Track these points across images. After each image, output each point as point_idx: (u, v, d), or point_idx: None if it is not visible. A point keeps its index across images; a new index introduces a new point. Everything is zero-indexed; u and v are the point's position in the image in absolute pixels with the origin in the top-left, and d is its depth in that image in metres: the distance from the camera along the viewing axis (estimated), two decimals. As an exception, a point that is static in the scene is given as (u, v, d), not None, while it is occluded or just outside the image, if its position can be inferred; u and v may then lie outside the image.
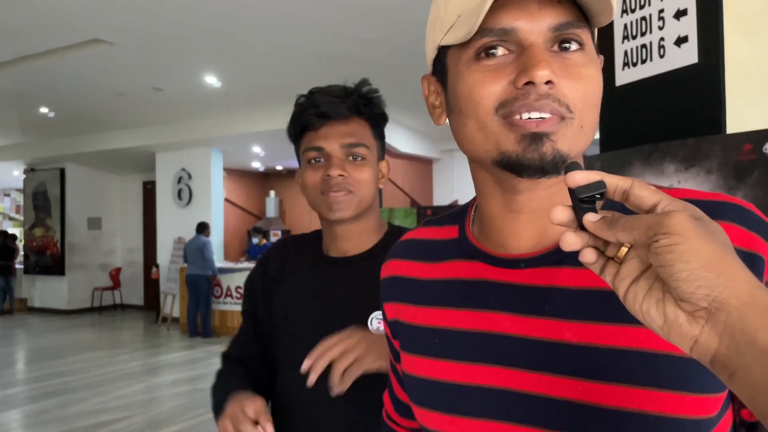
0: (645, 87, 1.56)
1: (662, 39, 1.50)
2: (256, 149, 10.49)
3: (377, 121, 1.30)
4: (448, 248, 0.73)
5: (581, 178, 0.44)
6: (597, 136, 1.69)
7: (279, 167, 13.14)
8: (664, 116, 1.51)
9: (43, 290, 12.07)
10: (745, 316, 0.38)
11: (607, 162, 1.57)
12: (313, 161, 1.22)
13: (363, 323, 1.15)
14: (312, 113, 1.23)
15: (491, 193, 0.66)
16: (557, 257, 0.63)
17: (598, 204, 0.45)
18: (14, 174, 12.99)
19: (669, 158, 1.37)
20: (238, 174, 13.03)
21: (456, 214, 0.77)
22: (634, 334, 0.57)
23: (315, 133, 1.23)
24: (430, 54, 0.67)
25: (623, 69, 1.62)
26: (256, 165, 12.61)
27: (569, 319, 0.60)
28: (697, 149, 1.31)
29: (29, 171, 12.07)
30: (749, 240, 0.55)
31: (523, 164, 0.57)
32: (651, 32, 1.53)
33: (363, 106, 1.27)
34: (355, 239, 1.25)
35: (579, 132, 0.58)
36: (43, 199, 11.87)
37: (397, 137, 9.47)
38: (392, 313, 0.78)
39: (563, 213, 0.46)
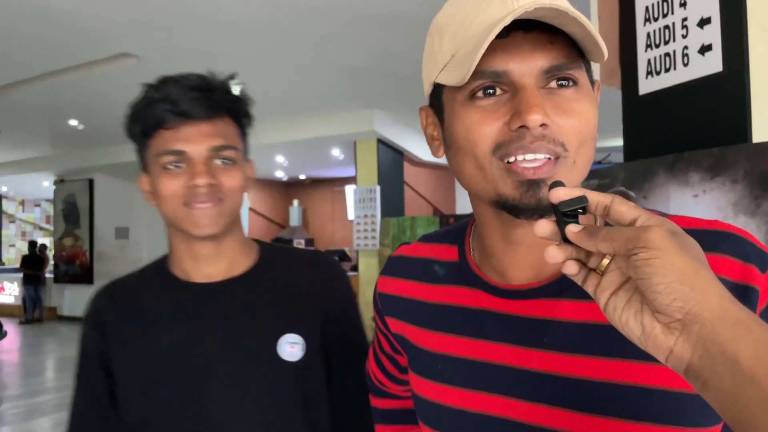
0: (669, 96, 1.55)
1: (686, 47, 1.49)
2: (280, 159, 10.58)
3: (245, 121, 1.15)
4: (448, 272, 0.74)
5: (564, 193, 0.46)
6: (621, 143, 1.68)
7: (302, 176, 13.23)
8: (689, 125, 1.50)
9: (72, 299, 12.28)
10: (716, 328, 0.40)
11: (630, 171, 1.56)
12: (170, 166, 1.00)
13: (266, 357, 1.00)
14: (168, 110, 1.02)
15: (491, 225, 0.67)
16: (557, 289, 0.64)
17: (581, 218, 0.47)
18: (44, 185, 13.28)
19: (694, 168, 1.35)
20: (261, 183, 13.15)
21: (455, 232, 0.77)
22: (630, 369, 0.58)
23: (173, 134, 1.01)
24: (427, 88, 0.67)
25: (646, 78, 1.61)
26: (280, 174, 12.72)
27: (567, 352, 0.61)
28: (722, 158, 1.30)
29: (59, 182, 12.33)
30: (744, 272, 0.56)
31: (521, 208, 0.58)
32: (674, 41, 1.52)
33: (231, 103, 1.12)
34: (225, 259, 1.06)
35: (572, 169, 0.59)
36: (73, 210, 12.11)
37: (419, 145, 9.48)
38: (396, 328, 0.79)
39: (546, 227, 0.48)
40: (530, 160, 0.57)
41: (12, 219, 16.61)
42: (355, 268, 8.99)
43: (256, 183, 12.72)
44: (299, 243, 12.97)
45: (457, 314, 0.70)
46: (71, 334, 10.52)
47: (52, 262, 12.88)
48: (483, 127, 0.59)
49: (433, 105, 0.68)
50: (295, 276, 1.10)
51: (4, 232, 14.26)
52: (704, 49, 1.44)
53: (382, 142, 8.62)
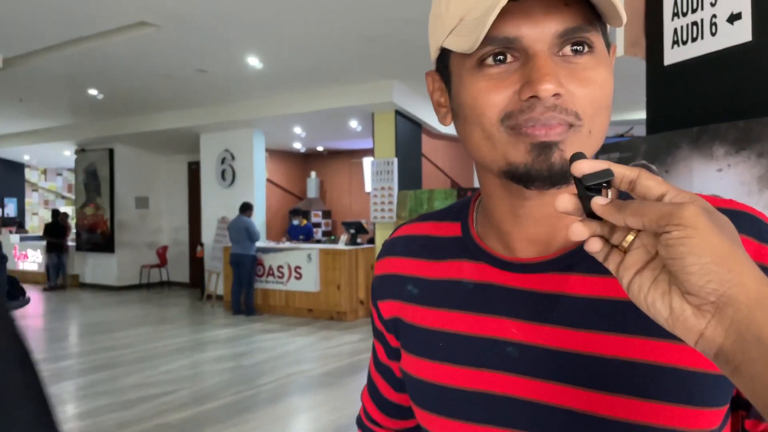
0: (695, 66, 1.50)
1: (714, 16, 1.44)
2: (297, 130, 10.57)
3: None
4: (451, 247, 0.71)
5: (587, 166, 0.44)
6: (643, 116, 1.64)
7: (320, 148, 13.21)
8: (715, 97, 1.46)
9: (94, 267, 12.51)
10: (753, 312, 0.39)
11: (653, 144, 1.52)
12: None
13: None
14: None
15: (499, 197, 0.64)
16: (566, 263, 0.62)
17: (604, 193, 0.45)
18: (66, 154, 13.43)
19: (719, 141, 1.32)
20: (279, 155, 13.17)
21: (456, 209, 0.75)
22: (642, 345, 0.57)
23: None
24: (433, 52, 0.65)
25: (672, 47, 1.56)
26: (297, 146, 12.72)
27: (577, 327, 0.60)
28: (748, 132, 1.26)
29: (80, 151, 12.46)
30: (759, 252, 0.55)
31: (532, 175, 0.56)
32: (702, 9, 1.47)
33: None
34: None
35: (587, 138, 0.56)
36: (93, 179, 12.26)
37: (436, 117, 9.40)
38: (390, 311, 0.76)
39: (568, 201, 0.45)
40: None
41: (35, 188, 16.85)
42: (371, 241, 9.02)
43: (273, 154, 12.75)
44: (316, 215, 13.03)
45: (459, 289, 0.68)
46: (93, 301, 10.74)
47: (74, 230, 13.09)
48: (491, 95, 0.56)
49: (440, 70, 0.65)
50: None
51: (27, 200, 14.49)
52: (733, 17, 1.39)
53: (400, 114, 8.56)
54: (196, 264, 11.75)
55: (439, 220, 0.75)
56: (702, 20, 1.47)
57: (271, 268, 9.03)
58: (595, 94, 0.56)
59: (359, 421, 0.92)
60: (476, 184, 11.29)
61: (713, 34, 1.44)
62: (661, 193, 0.42)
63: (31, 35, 5.97)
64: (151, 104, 9.55)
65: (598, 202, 0.44)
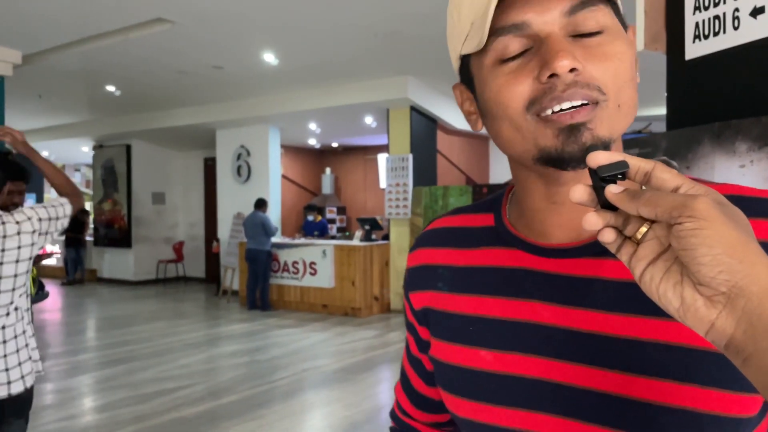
0: (717, 61, 1.48)
1: (737, 10, 1.41)
2: (312, 126, 10.59)
3: None
4: (483, 235, 0.72)
5: (603, 158, 0.44)
6: (662, 113, 1.62)
7: (334, 144, 13.23)
8: (737, 92, 1.43)
9: (111, 262, 12.64)
10: (764, 303, 0.39)
11: (673, 140, 1.50)
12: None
13: None
14: None
15: (533, 188, 0.65)
16: (601, 247, 0.61)
17: (619, 184, 0.45)
18: (83, 150, 13.57)
19: (741, 137, 1.29)
20: (294, 151, 13.21)
21: (490, 202, 0.75)
22: (678, 329, 0.57)
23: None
24: (455, 63, 0.66)
25: (694, 42, 1.54)
26: (312, 142, 12.75)
27: (613, 311, 0.59)
28: (772, 127, 1.24)
29: (97, 147, 12.59)
30: None
31: (564, 158, 0.56)
32: (725, 2, 1.45)
33: None
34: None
35: (617, 112, 0.56)
36: (111, 175, 12.38)
37: (452, 113, 9.37)
38: (421, 302, 0.77)
39: (582, 191, 0.46)
40: (566, 109, 0.55)
41: (53, 183, 17.04)
42: (386, 237, 9.02)
43: (288, 150, 12.79)
44: (331, 211, 13.05)
45: (492, 275, 0.68)
46: (111, 296, 10.86)
47: (91, 225, 13.24)
48: (512, 87, 0.57)
49: (464, 80, 0.66)
50: None
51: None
52: (756, 11, 1.37)
53: (415, 110, 8.54)
54: (212, 259, 11.83)
55: (471, 213, 0.76)
56: (724, 14, 1.45)
57: (286, 263, 9.07)
58: (615, 67, 0.56)
59: (392, 413, 0.94)
60: (491, 180, 11.27)
61: (736, 28, 1.42)
62: (675, 185, 0.43)
63: (49, 32, 6.03)
64: (168, 100, 9.62)
65: (612, 190, 0.44)
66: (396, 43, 6.39)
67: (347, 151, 13.75)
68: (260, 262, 8.76)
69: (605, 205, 0.45)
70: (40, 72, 7.47)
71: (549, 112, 0.55)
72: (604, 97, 0.55)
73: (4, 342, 2.17)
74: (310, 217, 10.66)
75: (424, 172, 8.86)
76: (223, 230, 10.63)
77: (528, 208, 0.67)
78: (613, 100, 0.56)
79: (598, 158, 0.44)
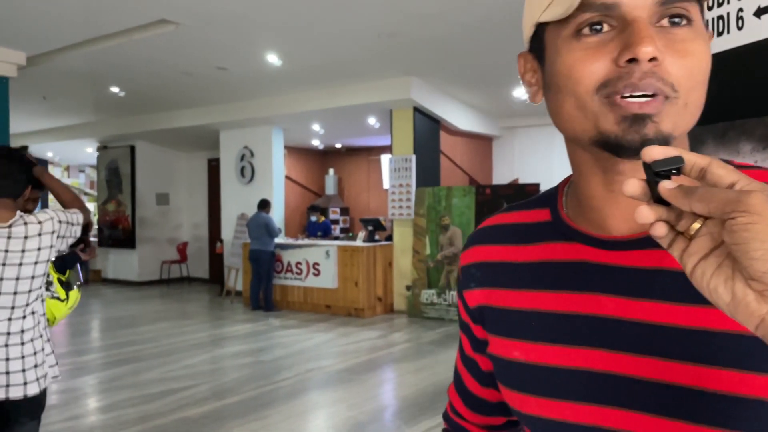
0: (721, 61, 1.48)
1: (740, 10, 1.42)
2: (316, 127, 10.60)
3: None
4: (540, 231, 0.71)
5: (658, 152, 0.44)
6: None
7: (338, 145, 13.24)
8: (741, 92, 1.43)
9: (115, 262, 12.67)
10: None
11: (677, 141, 1.50)
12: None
13: None
14: None
15: (591, 173, 0.63)
16: None
17: (674, 179, 0.45)
18: (88, 151, 13.60)
19: (745, 137, 1.30)
20: (298, 152, 13.22)
21: (545, 197, 0.74)
22: None
23: None
24: (528, 31, 0.64)
25: (697, 42, 1.54)
26: (316, 143, 12.76)
27: (680, 302, 0.58)
28: (776, 127, 1.24)
29: (102, 148, 12.62)
30: None
31: (622, 145, 0.55)
32: (729, 2, 1.45)
33: None
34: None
35: (683, 110, 0.56)
36: (115, 176, 12.41)
37: (455, 113, 9.37)
38: (477, 300, 0.76)
39: (635, 185, 0.45)
40: (637, 96, 0.54)
41: (58, 184, 17.08)
42: (389, 238, 9.03)
43: (292, 151, 12.80)
44: (334, 211, 13.06)
45: (553, 269, 0.67)
46: (115, 296, 10.88)
47: (96, 226, 13.27)
48: (587, 64, 0.56)
49: (533, 49, 0.65)
50: None
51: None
52: (760, 11, 1.37)
53: (418, 111, 8.54)
54: (216, 260, 11.85)
55: (526, 209, 0.75)
56: (728, 14, 1.45)
57: (289, 264, 9.08)
58: (692, 66, 0.55)
59: (445, 415, 0.93)
60: (495, 181, 11.24)
61: (740, 29, 1.42)
62: (731, 181, 0.42)
63: (53, 33, 6.05)
64: (172, 102, 9.64)
65: (666, 186, 0.44)
66: (399, 44, 6.39)
67: (350, 151, 13.76)
68: (264, 263, 8.77)
69: (658, 200, 0.45)
70: (45, 73, 7.49)
71: (619, 97, 0.54)
72: (676, 94, 0.54)
73: (22, 344, 2.23)
74: (314, 218, 10.67)
75: (427, 173, 8.85)
76: (227, 231, 10.64)
77: (586, 196, 0.65)
78: (683, 98, 0.55)
79: (652, 153, 0.44)
